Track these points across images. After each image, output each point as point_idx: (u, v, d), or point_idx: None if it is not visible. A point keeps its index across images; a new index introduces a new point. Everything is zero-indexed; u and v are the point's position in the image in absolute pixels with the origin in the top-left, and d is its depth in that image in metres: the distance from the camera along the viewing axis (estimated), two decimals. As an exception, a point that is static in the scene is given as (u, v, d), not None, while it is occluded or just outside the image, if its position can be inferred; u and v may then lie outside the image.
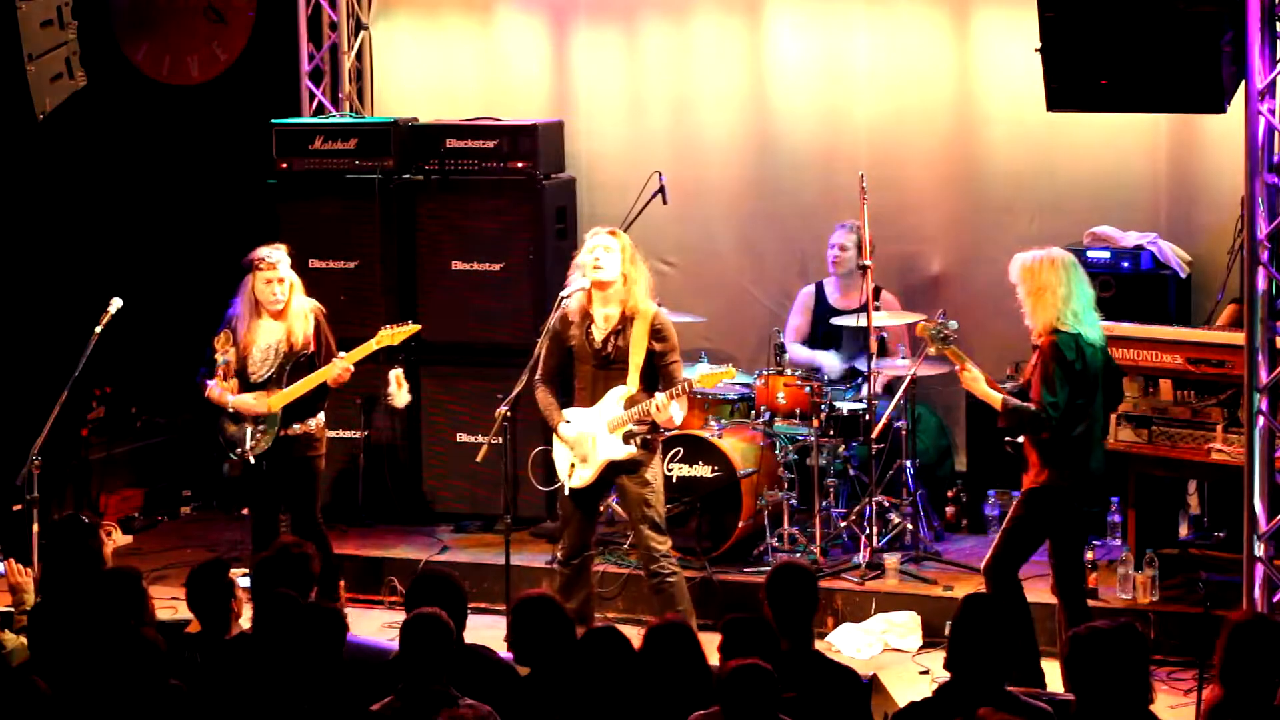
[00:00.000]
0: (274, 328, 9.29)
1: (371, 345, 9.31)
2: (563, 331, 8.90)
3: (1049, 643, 8.66)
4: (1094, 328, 8.20)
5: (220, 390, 9.29)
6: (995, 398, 8.20)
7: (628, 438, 8.79)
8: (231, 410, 9.28)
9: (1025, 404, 8.15)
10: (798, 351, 10.48)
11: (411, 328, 9.41)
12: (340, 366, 9.19)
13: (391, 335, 9.36)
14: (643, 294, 8.84)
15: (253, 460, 9.27)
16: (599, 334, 8.84)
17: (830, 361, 10.44)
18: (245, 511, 11.20)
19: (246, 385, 9.28)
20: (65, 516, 8.90)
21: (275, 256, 9.27)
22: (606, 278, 8.76)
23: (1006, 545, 8.29)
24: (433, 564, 10.06)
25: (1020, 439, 8.27)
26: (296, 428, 9.30)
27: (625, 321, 8.80)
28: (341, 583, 9.65)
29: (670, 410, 8.71)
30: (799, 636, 6.60)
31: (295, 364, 9.26)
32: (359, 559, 10.31)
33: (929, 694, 6.29)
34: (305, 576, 7.06)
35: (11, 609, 7.75)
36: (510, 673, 6.70)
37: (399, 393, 9.57)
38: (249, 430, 9.26)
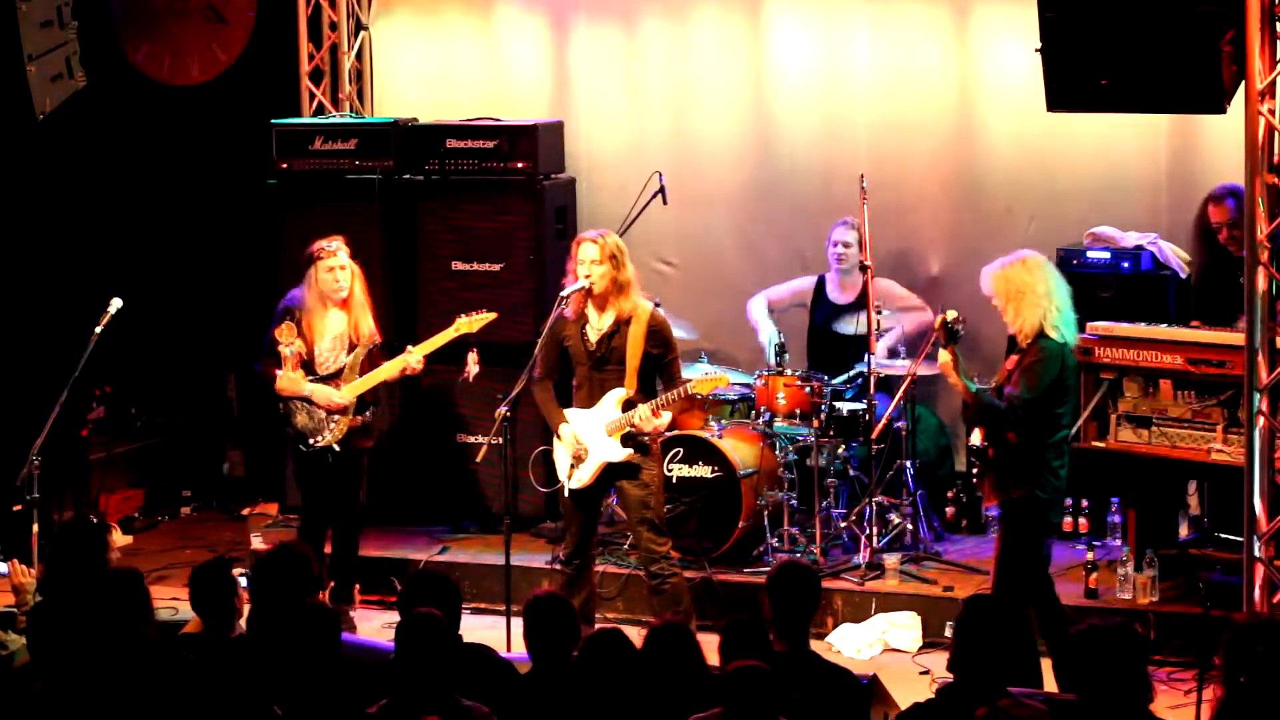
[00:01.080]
0: (339, 319, 9.37)
1: (450, 333, 9.44)
2: (560, 332, 8.91)
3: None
4: (1074, 328, 8.23)
5: (295, 380, 9.30)
6: (970, 388, 8.20)
7: (625, 440, 8.80)
8: (308, 399, 9.29)
9: (995, 401, 8.18)
10: (755, 308, 10.49)
11: (488, 315, 9.51)
12: (415, 357, 9.32)
13: (470, 323, 9.45)
14: (637, 295, 8.85)
15: (338, 448, 9.30)
16: (593, 335, 8.85)
17: (766, 335, 10.44)
18: (246, 511, 11.26)
19: (312, 376, 9.33)
20: (74, 517, 8.89)
21: (335, 245, 9.36)
22: (599, 289, 8.77)
23: (1009, 568, 8.27)
24: (433, 564, 10.07)
25: (988, 450, 8.20)
26: (358, 418, 9.38)
27: (621, 323, 8.81)
28: (358, 585, 9.64)
29: (657, 421, 8.73)
30: (797, 637, 6.60)
31: (368, 354, 9.36)
32: (359, 559, 10.28)
33: (930, 694, 6.28)
34: (305, 577, 7.04)
35: (14, 609, 7.74)
36: (510, 672, 6.70)
37: (473, 368, 9.65)
38: (323, 420, 9.29)
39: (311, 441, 9.32)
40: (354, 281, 9.40)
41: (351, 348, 9.38)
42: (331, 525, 9.56)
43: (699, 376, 8.92)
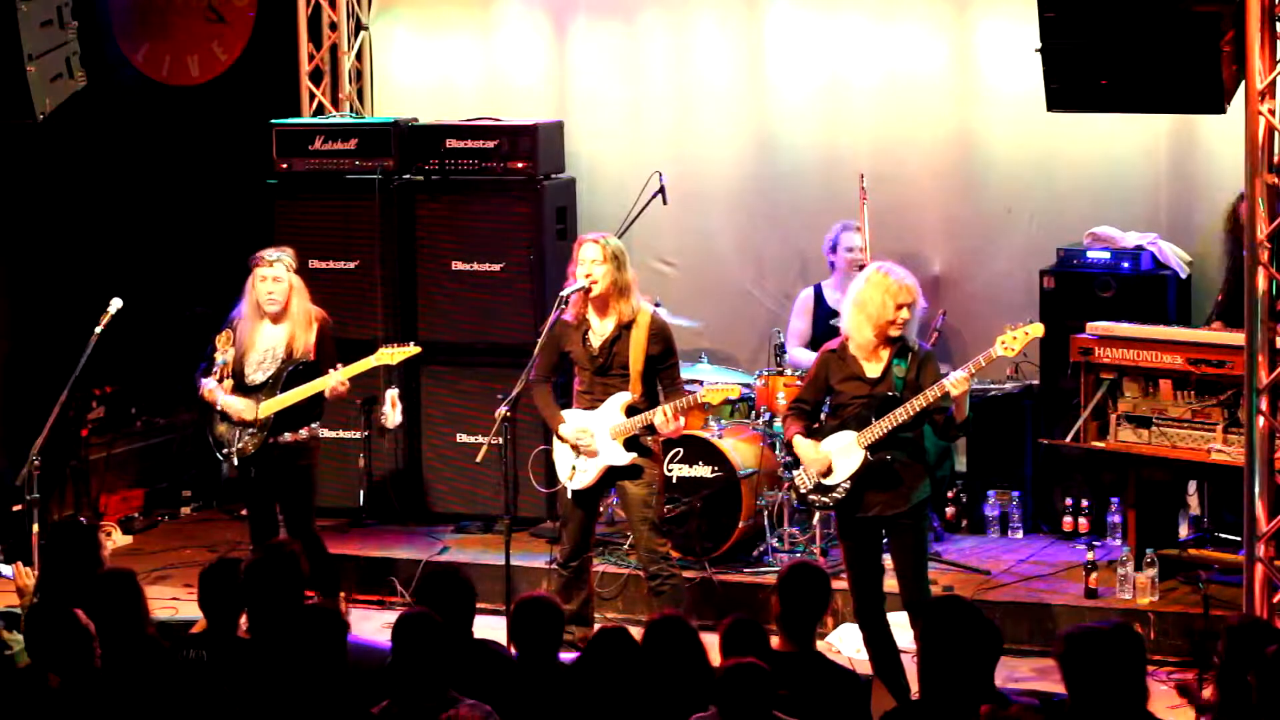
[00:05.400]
0: (275, 331, 9.20)
1: (370, 362, 9.19)
2: (560, 335, 8.89)
3: (1047, 643, 8.67)
4: None
5: (213, 389, 9.24)
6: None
7: (629, 444, 8.79)
8: (220, 410, 9.23)
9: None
10: (799, 355, 10.47)
11: (412, 350, 9.34)
12: (335, 379, 9.06)
13: (391, 355, 9.26)
14: (637, 298, 8.84)
15: (236, 462, 9.21)
16: (596, 340, 8.83)
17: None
18: (245, 512, 11.26)
19: (241, 387, 9.19)
20: (65, 518, 8.87)
21: (274, 256, 9.19)
22: (599, 291, 8.76)
23: (924, 566, 8.31)
24: (433, 564, 10.06)
25: (890, 458, 8.13)
26: (287, 436, 9.20)
27: (622, 327, 8.80)
28: (343, 594, 9.59)
29: (677, 424, 8.72)
30: (803, 637, 6.61)
31: (292, 371, 9.15)
32: (359, 559, 10.30)
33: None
34: (295, 576, 7.03)
35: (18, 610, 7.74)
36: (515, 667, 6.70)
37: (392, 413, 9.49)
38: (237, 433, 9.19)
39: (226, 451, 9.23)
40: (292, 296, 9.17)
41: (283, 363, 9.17)
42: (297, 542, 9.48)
43: (709, 386, 8.92)
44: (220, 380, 9.21)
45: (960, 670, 5.92)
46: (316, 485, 9.47)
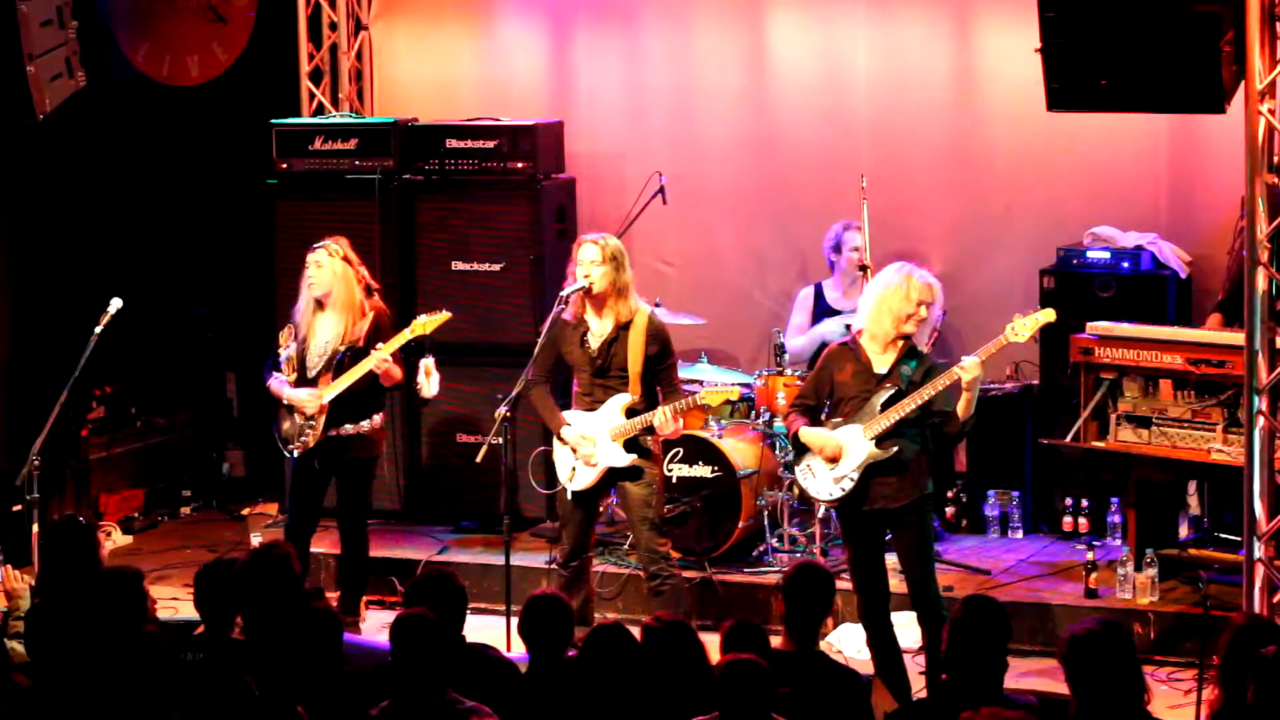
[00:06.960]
0: (330, 322, 9.24)
1: (407, 334, 9.27)
2: (559, 336, 8.89)
3: (1047, 642, 8.68)
4: None
5: (279, 384, 9.30)
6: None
7: (629, 445, 8.78)
8: (286, 404, 9.28)
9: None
10: (799, 342, 10.47)
11: (443, 315, 9.39)
12: (378, 357, 9.13)
13: (424, 324, 9.32)
14: (635, 299, 8.83)
15: (297, 454, 9.27)
16: (594, 342, 8.82)
17: (834, 328, 10.39)
18: (246, 511, 11.27)
19: (305, 379, 9.28)
20: (63, 518, 8.88)
21: (322, 243, 9.27)
22: (597, 290, 8.76)
23: (929, 561, 8.27)
24: (433, 564, 10.07)
25: (897, 449, 8.11)
26: (348, 428, 9.25)
27: (620, 328, 8.79)
28: (365, 598, 9.57)
29: (676, 425, 8.72)
30: (805, 637, 6.62)
31: (341, 357, 9.20)
32: (365, 573, 10.27)
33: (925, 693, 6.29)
34: (288, 578, 7.02)
35: (5, 612, 7.73)
36: (511, 671, 6.71)
37: (427, 382, 9.54)
38: (301, 426, 9.25)
39: (291, 447, 9.30)
40: (336, 283, 9.21)
41: (337, 351, 9.23)
42: (341, 533, 9.54)
43: (708, 388, 8.91)
44: (288, 375, 9.26)
45: (982, 669, 5.96)
46: (372, 481, 9.55)
